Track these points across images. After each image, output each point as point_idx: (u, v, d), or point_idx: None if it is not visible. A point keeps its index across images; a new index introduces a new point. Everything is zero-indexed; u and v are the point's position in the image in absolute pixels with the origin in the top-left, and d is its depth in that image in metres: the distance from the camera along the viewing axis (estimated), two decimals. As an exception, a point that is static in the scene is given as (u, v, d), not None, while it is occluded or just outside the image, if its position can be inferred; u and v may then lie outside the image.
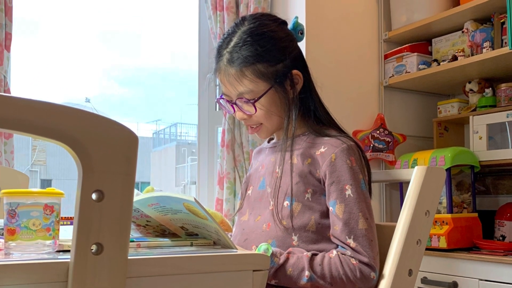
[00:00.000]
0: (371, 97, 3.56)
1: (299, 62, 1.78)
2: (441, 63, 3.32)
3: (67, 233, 1.21)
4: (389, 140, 3.47)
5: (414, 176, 1.63)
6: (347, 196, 1.60)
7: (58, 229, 1.16)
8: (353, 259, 1.55)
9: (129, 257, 0.96)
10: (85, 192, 0.89)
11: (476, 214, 3.19)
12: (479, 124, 3.19)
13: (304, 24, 1.83)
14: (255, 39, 1.70)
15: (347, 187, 1.60)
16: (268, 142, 1.93)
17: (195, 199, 1.24)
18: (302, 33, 1.82)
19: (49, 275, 0.94)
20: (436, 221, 3.07)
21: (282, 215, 1.64)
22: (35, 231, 1.11)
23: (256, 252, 1.46)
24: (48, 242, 1.12)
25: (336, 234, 1.60)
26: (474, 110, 3.33)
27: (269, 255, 1.50)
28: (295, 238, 1.62)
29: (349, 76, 3.47)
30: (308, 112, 1.78)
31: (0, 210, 1.40)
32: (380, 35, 3.63)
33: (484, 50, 3.06)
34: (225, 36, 1.78)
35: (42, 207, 1.12)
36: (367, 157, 1.80)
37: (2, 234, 1.18)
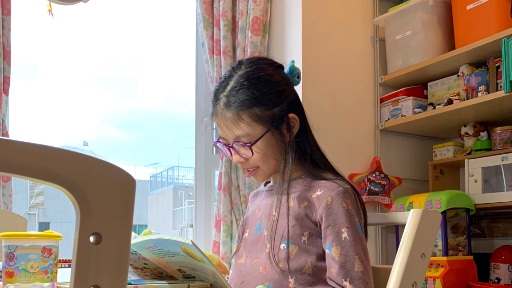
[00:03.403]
0: (367, 141, 3.57)
1: (296, 105, 1.79)
2: (436, 107, 3.34)
3: (65, 276, 1.22)
4: (385, 183, 3.47)
5: (410, 219, 1.63)
6: (343, 239, 1.60)
7: (56, 272, 1.16)
8: (349, 302, 1.56)
9: (126, 300, 0.97)
10: (83, 235, 0.89)
11: (471, 257, 3.18)
12: (474, 168, 3.20)
13: (300, 68, 1.85)
14: (252, 82, 1.71)
15: (343, 230, 1.61)
16: (265, 185, 1.93)
17: (192, 241, 1.25)
18: (298, 77, 1.83)
19: (47, 317, 0.94)
20: (431, 264, 3.06)
21: (278, 257, 1.65)
22: (33, 273, 1.11)
23: (253, 295, 1.47)
24: (46, 284, 1.13)
25: (332, 277, 1.60)
26: (470, 153, 3.34)
27: (265, 298, 1.51)
28: (291, 280, 1.62)
29: (345, 120, 3.49)
30: (305, 156, 1.79)
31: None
32: (376, 79, 3.65)
33: (479, 94, 3.07)
34: (222, 79, 1.79)
35: (40, 250, 1.13)
36: (363, 200, 1.81)
37: (1, 277, 1.19)
